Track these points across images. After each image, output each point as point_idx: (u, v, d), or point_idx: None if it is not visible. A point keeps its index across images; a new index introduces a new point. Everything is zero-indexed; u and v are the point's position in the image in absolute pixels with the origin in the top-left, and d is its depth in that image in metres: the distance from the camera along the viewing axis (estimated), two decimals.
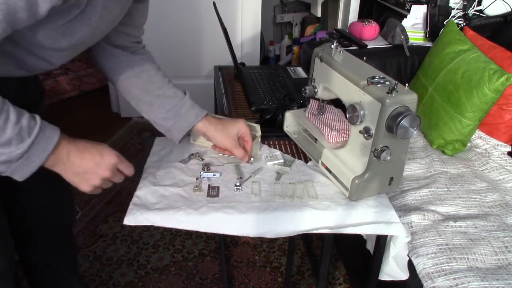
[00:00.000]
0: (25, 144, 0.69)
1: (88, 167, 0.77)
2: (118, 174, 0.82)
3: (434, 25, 1.90)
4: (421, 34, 1.98)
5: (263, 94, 1.48)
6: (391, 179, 0.94)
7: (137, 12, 0.94)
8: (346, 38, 2.01)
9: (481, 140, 1.52)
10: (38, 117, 0.72)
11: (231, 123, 1.01)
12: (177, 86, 1.03)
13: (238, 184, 0.95)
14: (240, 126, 1.01)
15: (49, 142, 0.72)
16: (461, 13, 1.86)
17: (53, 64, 0.83)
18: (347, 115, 0.92)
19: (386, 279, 0.99)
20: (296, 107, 1.19)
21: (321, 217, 0.90)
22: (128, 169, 0.83)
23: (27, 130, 0.69)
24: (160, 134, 1.12)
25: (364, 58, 1.01)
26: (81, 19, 0.73)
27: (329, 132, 1.04)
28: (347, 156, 0.96)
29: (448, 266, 1.04)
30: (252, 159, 1.04)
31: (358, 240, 1.12)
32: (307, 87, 1.07)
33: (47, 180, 1.08)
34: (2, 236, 0.95)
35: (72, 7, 0.69)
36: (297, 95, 1.31)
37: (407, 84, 0.85)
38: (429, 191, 1.29)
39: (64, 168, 0.76)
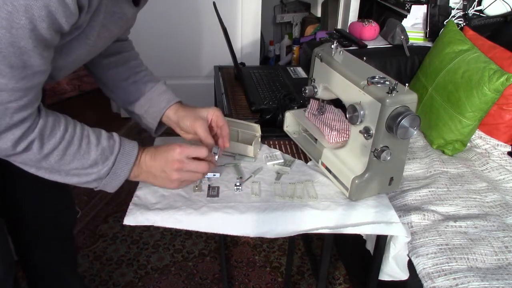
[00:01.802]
0: (110, 161, 0.78)
1: (161, 165, 0.84)
2: (194, 162, 0.85)
3: (434, 25, 1.90)
4: (421, 34, 1.98)
5: (263, 94, 1.48)
6: (391, 179, 0.94)
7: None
8: (346, 38, 2.01)
9: (481, 140, 1.52)
10: (115, 136, 0.81)
11: (203, 108, 0.96)
12: (152, 74, 1.01)
13: (238, 184, 0.95)
14: (211, 110, 0.95)
15: (131, 156, 0.81)
16: (461, 13, 1.86)
17: (54, 79, 0.83)
18: (347, 115, 0.92)
19: (386, 279, 0.99)
20: (296, 107, 1.19)
21: (321, 217, 0.90)
22: (200, 152, 0.86)
23: (108, 149, 0.78)
24: (160, 135, 1.12)
25: (364, 58, 1.01)
26: (79, 38, 0.72)
27: (329, 132, 1.04)
28: (347, 156, 0.96)
29: (448, 266, 1.04)
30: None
31: (358, 240, 1.12)
32: (307, 87, 1.07)
33: (46, 182, 1.08)
34: (1, 240, 0.95)
35: (75, 29, 0.70)
36: (297, 95, 1.31)
37: (407, 84, 0.85)
38: (429, 191, 1.29)
39: (146, 175, 0.85)
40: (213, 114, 0.95)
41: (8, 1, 0.56)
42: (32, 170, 0.74)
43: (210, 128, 0.96)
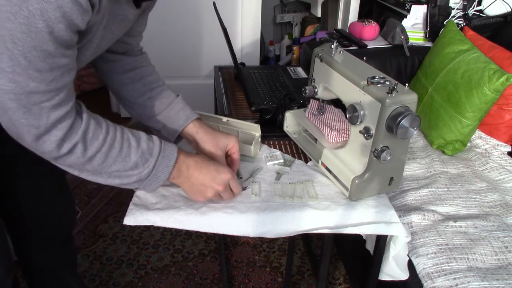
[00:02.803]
0: (150, 164, 0.79)
1: (205, 180, 0.85)
2: (229, 191, 0.89)
3: (434, 25, 1.91)
4: (421, 34, 1.98)
5: (263, 94, 1.48)
6: (391, 179, 0.94)
7: (137, 23, 0.93)
8: (346, 38, 2.01)
9: (481, 140, 1.52)
10: (155, 139, 0.81)
11: (223, 135, 0.97)
12: (169, 89, 1.01)
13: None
14: (231, 141, 0.96)
15: (170, 159, 0.81)
16: (461, 13, 1.86)
17: None
18: (347, 115, 0.92)
19: (386, 279, 0.99)
20: (296, 107, 1.19)
21: (321, 217, 0.90)
22: (237, 188, 0.90)
23: (147, 151, 0.79)
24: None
25: (364, 58, 1.01)
26: (85, 42, 0.73)
27: (329, 132, 1.04)
28: (347, 156, 0.96)
29: (448, 266, 1.04)
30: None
31: (358, 240, 1.12)
32: (307, 87, 1.07)
33: (46, 182, 1.08)
34: (0, 240, 0.95)
35: (87, 32, 0.70)
36: (297, 95, 1.31)
37: (407, 84, 0.85)
38: (429, 191, 1.29)
39: (184, 180, 0.85)
40: (231, 147, 0.97)
41: (23, 6, 0.57)
42: (76, 173, 0.75)
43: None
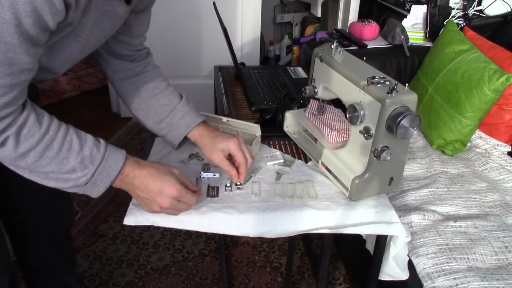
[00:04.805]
0: (89, 172, 0.75)
1: (150, 195, 0.80)
2: (181, 204, 0.83)
3: (434, 25, 1.91)
4: (421, 34, 1.98)
5: (263, 94, 1.48)
6: (391, 179, 0.94)
7: (136, 23, 0.93)
8: (346, 38, 2.00)
9: (481, 140, 1.52)
10: (102, 146, 0.77)
11: (221, 139, 0.94)
12: (174, 91, 1.01)
13: (238, 183, 0.95)
14: (230, 144, 0.93)
15: (113, 169, 0.77)
16: (461, 13, 1.86)
17: (56, 73, 0.82)
18: (347, 115, 0.92)
19: (386, 279, 0.99)
20: (296, 107, 1.19)
21: (321, 217, 0.90)
22: (191, 201, 0.84)
23: (89, 158, 0.75)
24: None
25: (364, 58, 1.01)
26: (70, 36, 0.72)
27: (329, 132, 1.04)
28: (347, 156, 0.96)
29: (448, 266, 1.04)
30: (241, 182, 0.96)
31: (358, 240, 1.12)
32: (307, 87, 1.07)
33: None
34: None
35: (67, 26, 0.69)
36: (297, 95, 1.31)
37: (407, 84, 0.85)
38: (429, 191, 1.29)
39: (130, 190, 0.82)
40: (232, 151, 0.93)
41: None
42: (12, 168, 0.73)
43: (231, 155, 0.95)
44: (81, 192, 0.78)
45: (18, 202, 1.06)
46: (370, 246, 1.04)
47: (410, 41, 1.92)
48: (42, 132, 0.71)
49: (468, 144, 1.53)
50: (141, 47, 1.00)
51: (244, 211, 0.89)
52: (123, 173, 0.78)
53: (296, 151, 1.12)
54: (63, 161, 0.73)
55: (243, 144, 0.95)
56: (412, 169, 1.42)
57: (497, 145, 1.48)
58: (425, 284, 1.01)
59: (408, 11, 2.03)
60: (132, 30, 0.93)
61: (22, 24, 0.59)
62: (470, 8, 1.85)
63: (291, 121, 1.17)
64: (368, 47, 1.93)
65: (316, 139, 1.08)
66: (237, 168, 0.94)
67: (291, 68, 1.78)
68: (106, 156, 0.77)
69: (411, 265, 1.05)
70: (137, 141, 2.57)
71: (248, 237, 1.84)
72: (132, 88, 0.99)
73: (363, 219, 0.90)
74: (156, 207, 0.81)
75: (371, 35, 1.99)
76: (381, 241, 0.94)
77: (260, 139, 1.09)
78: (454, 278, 1.00)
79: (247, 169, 0.95)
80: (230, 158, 0.95)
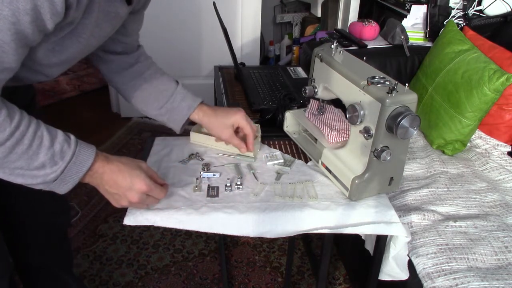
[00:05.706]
0: (59, 168, 0.73)
1: (119, 190, 0.80)
2: (150, 198, 0.84)
3: (434, 25, 1.91)
4: (421, 34, 1.98)
5: (263, 94, 1.48)
6: (391, 179, 0.94)
7: (131, 22, 0.94)
8: (346, 38, 2.01)
9: (481, 140, 1.52)
10: (73, 141, 0.75)
11: (226, 114, 0.99)
12: (170, 77, 1.03)
13: (238, 183, 0.95)
14: (238, 118, 0.99)
15: (83, 165, 0.75)
16: (461, 13, 1.86)
17: (48, 77, 0.82)
18: (347, 115, 0.92)
19: (386, 279, 0.99)
20: (296, 107, 1.19)
21: (321, 217, 0.90)
22: (160, 195, 0.84)
23: (59, 154, 0.73)
24: (160, 134, 1.12)
25: (364, 58, 1.01)
26: (71, 36, 0.72)
27: (329, 132, 1.04)
28: (347, 156, 0.96)
29: (448, 266, 1.04)
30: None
31: (358, 240, 1.12)
32: (307, 87, 1.07)
33: None
34: None
35: (67, 25, 0.69)
36: (297, 95, 1.31)
37: (407, 84, 0.85)
38: (429, 191, 1.29)
39: (98, 185, 0.80)
40: (240, 124, 0.99)
41: None
42: None
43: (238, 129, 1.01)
44: (47, 189, 0.76)
45: (18, 202, 1.06)
46: (369, 246, 1.04)
47: (410, 41, 1.92)
48: (13, 127, 0.68)
49: (468, 144, 1.53)
50: (135, 43, 1.02)
51: (244, 211, 0.89)
52: (92, 169, 0.77)
53: (296, 151, 1.12)
54: (32, 156, 0.71)
55: (247, 115, 1.01)
56: (412, 169, 1.42)
57: (497, 145, 1.48)
58: (425, 284, 1.01)
59: (408, 11, 2.03)
60: (127, 29, 0.94)
61: (19, 22, 0.59)
62: (470, 8, 1.85)
63: (291, 121, 1.17)
64: (368, 47, 1.93)
65: (316, 139, 1.08)
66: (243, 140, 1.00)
67: (291, 68, 1.78)
68: (76, 153, 0.74)
69: (411, 265, 1.05)
70: (137, 141, 2.57)
71: (248, 237, 1.84)
72: (128, 79, 0.99)
73: (363, 219, 0.90)
74: (125, 202, 0.81)
75: (371, 35, 1.99)
76: (381, 241, 0.94)
77: (260, 139, 1.09)
78: (454, 278, 1.00)
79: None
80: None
